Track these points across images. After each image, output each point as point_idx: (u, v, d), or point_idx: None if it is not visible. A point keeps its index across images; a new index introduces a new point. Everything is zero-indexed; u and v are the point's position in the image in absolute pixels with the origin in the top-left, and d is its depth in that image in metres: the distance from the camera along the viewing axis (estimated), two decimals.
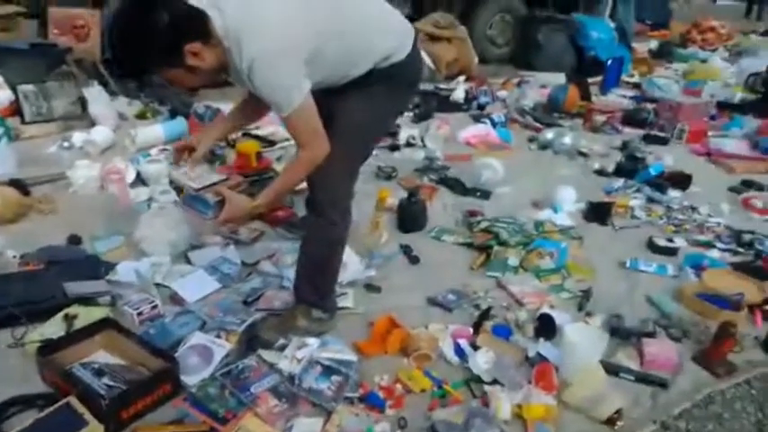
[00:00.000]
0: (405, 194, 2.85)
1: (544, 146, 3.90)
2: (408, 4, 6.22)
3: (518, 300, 2.19)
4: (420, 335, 1.88)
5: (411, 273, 2.41)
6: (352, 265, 2.33)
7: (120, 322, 1.87)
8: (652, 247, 2.65)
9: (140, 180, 2.98)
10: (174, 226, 2.38)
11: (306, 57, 1.52)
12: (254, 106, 1.87)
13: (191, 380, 1.65)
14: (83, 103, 3.80)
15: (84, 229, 2.54)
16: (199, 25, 1.47)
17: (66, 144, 3.30)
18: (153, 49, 1.45)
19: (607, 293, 2.29)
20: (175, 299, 2.13)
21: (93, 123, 3.68)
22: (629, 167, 3.50)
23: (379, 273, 2.36)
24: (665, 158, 3.73)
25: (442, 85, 5.14)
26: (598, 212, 2.93)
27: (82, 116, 3.76)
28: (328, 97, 1.69)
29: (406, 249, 2.55)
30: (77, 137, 3.40)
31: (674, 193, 3.25)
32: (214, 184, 2.41)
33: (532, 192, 3.17)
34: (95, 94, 3.73)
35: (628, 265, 2.49)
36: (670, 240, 2.69)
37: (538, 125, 4.25)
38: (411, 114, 4.41)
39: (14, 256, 2.24)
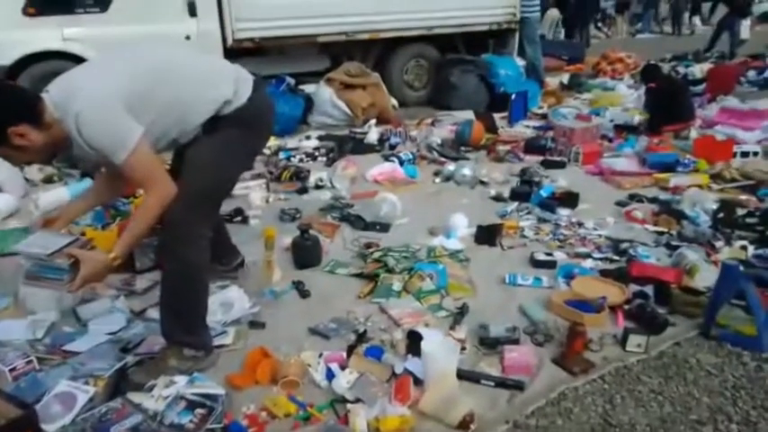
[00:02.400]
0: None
1: (448, 178, 4.09)
2: (325, 57, 6.49)
3: (396, 321, 2.29)
4: (289, 362, 1.95)
5: (299, 306, 2.49)
6: (238, 304, 2.40)
7: None
8: (533, 261, 2.81)
9: None
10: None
11: (125, 101, 1.66)
12: (113, 182, 2.01)
13: (51, 427, 1.67)
14: None
15: None
16: (25, 108, 1.64)
17: None
18: None
19: (483, 308, 2.41)
20: (59, 352, 2.14)
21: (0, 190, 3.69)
22: (523, 191, 3.70)
23: (267, 309, 2.43)
24: (560, 180, 3.96)
25: (357, 129, 5.34)
26: (487, 235, 3.08)
27: None
28: (186, 150, 1.88)
29: (298, 285, 2.63)
30: None
31: (563, 212, 3.45)
32: (66, 245, 1.85)
33: (430, 221, 3.31)
34: (0, 162, 3.73)
35: (507, 280, 2.63)
36: (549, 254, 2.85)
37: (443, 159, 4.46)
38: (324, 159, 4.57)
39: None
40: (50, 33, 4.99)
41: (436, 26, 6.57)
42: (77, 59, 5.10)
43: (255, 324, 2.32)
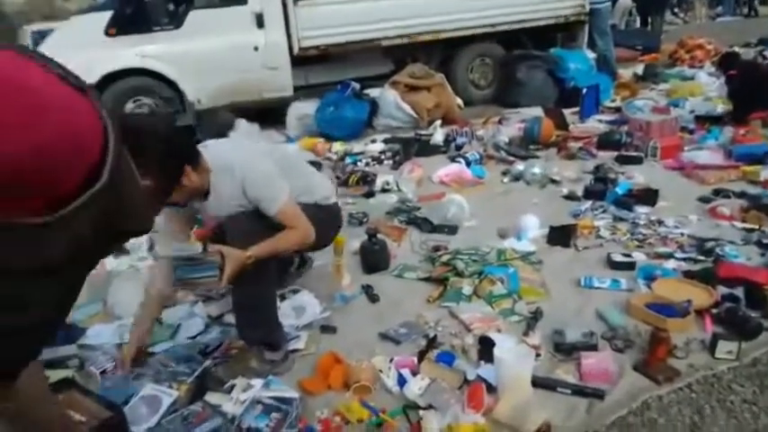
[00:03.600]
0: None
1: (516, 177, 4.00)
2: (389, 60, 6.51)
3: (467, 326, 2.25)
4: (361, 367, 1.96)
5: (368, 311, 2.50)
6: (309, 308, 2.44)
7: (89, 382, 2.01)
8: (610, 263, 2.69)
9: (124, 250, 3.17)
10: (143, 288, 2.53)
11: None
12: (160, 296, 2.16)
13: (139, 429, 1.76)
14: None
15: None
16: (195, 153, 1.84)
17: None
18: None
19: (558, 312, 2.33)
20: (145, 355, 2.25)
21: None
22: (598, 189, 3.56)
23: (338, 314, 2.46)
24: (637, 177, 3.78)
25: (422, 132, 5.32)
26: (560, 235, 2.98)
27: None
28: None
29: (368, 289, 2.64)
30: None
31: (641, 210, 3.29)
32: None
33: (499, 223, 3.24)
34: None
35: (582, 283, 2.53)
36: (627, 255, 2.72)
37: (511, 158, 4.36)
38: (390, 162, 4.58)
39: None
40: (130, 52, 5.27)
41: (500, 23, 6.44)
42: (155, 75, 5.39)
43: (327, 329, 2.34)
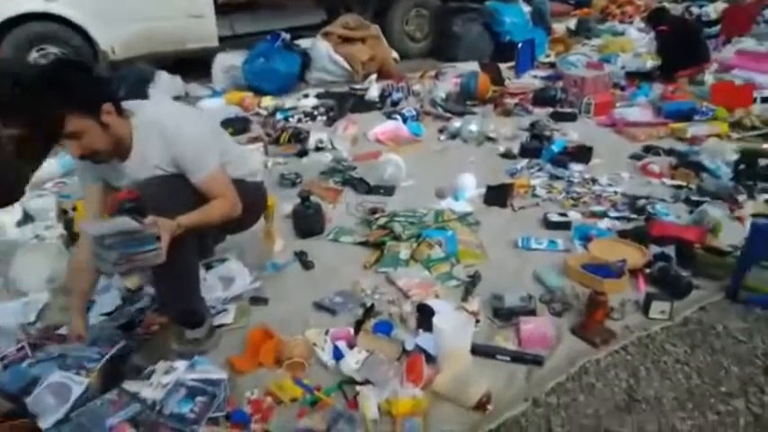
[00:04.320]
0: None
1: (454, 135, 3.91)
2: (322, 9, 6.20)
3: (405, 293, 2.18)
4: (294, 342, 1.85)
5: (302, 279, 2.38)
6: (239, 278, 2.29)
7: None
8: (546, 223, 2.67)
9: (29, 217, 2.87)
10: (51, 260, 2.30)
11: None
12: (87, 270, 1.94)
13: (46, 422, 1.58)
14: None
15: None
16: (114, 91, 1.77)
17: None
18: (78, 90, 1.59)
19: (496, 275, 2.29)
20: (54, 337, 2.05)
21: None
22: (533, 147, 3.53)
23: (269, 283, 2.32)
24: (571, 134, 3.79)
25: (356, 86, 5.12)
26: (497, 195, 2.94)
27: None
28: None
29: (301, 256, 2.51)
30: None
31: (576, 168, 3.29)
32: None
33: (437, 182, 3.16)
34: None
35: (520, 244, 2.50)
36: (563, 215, 2.71)
37: (448, 115, 4.26)
38: (324, 118, 4.39)
39: None
40: None
41: None
42: (62, 21, 4.87)
43: (257, 300, 2.21)
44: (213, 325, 1.98)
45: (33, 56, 4.83)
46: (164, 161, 1.81)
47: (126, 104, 1.81)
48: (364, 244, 2.59)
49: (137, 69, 5.02)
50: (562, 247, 2.48)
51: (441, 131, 4.03)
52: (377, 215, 2.80)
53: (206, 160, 1.84)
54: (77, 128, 1.63)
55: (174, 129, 1.79)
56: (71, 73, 1.64)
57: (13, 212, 2.83)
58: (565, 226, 2.64)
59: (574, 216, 2.72)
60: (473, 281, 2.22)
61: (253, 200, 2.12)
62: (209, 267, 2.34)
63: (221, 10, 5.42)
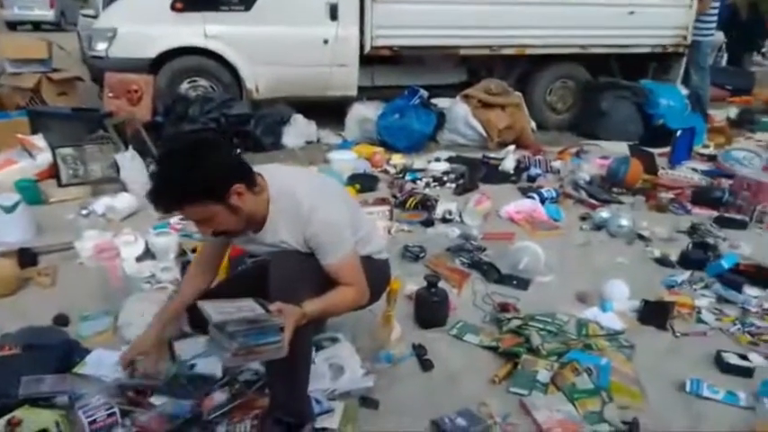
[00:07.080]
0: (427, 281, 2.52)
1: (598, 226, 3.48)
2: (463, 70, 6.05)
3: (543, 431, 1.79)
4: None
5: (419, 382, 2.06)
6: (349, 369, 2.02)
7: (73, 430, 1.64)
8: (720, 364, 2.18)
9: (149, 253, 2.83)
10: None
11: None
12: (209, 267, 1.92)
13: None
14: (117, 167, 3.77)
15: (76, 306, 2.39)
16: (247, 169, 1.62)
17: (84, 211, 3.20)
18: (206, 178, 1.50)
19: (658, 426, 1.84)
20: (146, 404, 1.87)
21: (124, 189, 3.63)
22: (697, 257, 3.03)
23: (382, 381, 2.02)
24: (742, 247, 3.23)
25: (491, 154, 4.84)
26: (655, 314, 2.48)
27: (115, 180, 3.73)
28: None
29: (419, 351, 2.21)
30: (100, 203, 3.32)
31: (751, 292, 2.74)
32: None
33: (579, 284, 2.76)
34: (127, 160, 3.69)
35: (688, 388, 2.03)
36: (743, 357, 2.20)
37: (593, 201, 3.84)
38: (453, 186, 4.13)
39: None
40: (194, 29, 4.97)
41: (590, 45, 5.88)
42: (216, 57, 5.07)
43: (368, 402, 1.91)
44: (314, 428, 1.71)
45: (185, 86, 5.05)
46: (293, 239, 1.67)
47: (259, 169, 1.69)
48: (493, 349, 2.24)
49: (275, 110, 5.11)
50: (744, 402, 1.98)
51: (583, 219, 3.62)
52: (509, 315, 2.44)
53: (340, 245, 1.69)
54: (203, 216, 1.56)
55: (310, 208, 1.64)
56: (203, 158, 1.53)
57: (137, 245, 2.80)
58: (746, 372, 2.13)
59: (756, 360, 2.21)
60: (631, 430, 1.79)
61: (377, 278, 1.91)
62: (318, 348, 2.09)
63: (363, 60, 5.41)
